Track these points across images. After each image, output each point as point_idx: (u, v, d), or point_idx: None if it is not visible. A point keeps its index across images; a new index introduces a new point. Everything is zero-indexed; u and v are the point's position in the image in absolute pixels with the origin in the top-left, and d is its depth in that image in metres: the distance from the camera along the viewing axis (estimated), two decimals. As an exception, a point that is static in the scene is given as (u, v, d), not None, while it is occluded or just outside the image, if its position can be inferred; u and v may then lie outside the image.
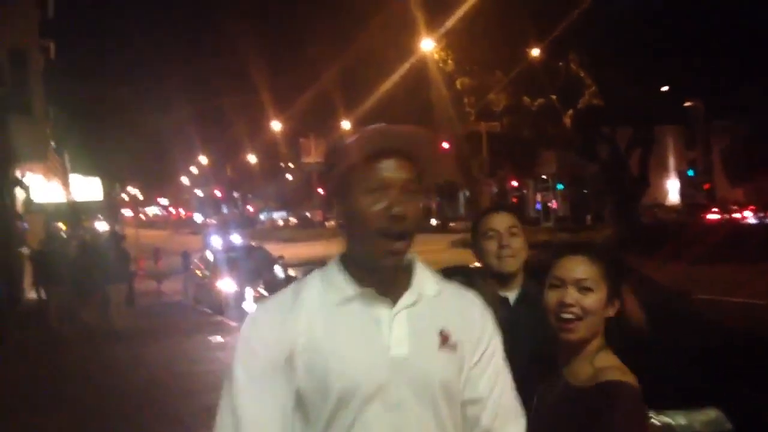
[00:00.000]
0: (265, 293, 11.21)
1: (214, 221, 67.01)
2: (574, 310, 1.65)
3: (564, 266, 1.69)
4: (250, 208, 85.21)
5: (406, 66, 26.38)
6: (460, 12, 21.88)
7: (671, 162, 46.75)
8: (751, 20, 21.68)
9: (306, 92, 41.38)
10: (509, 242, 2.18)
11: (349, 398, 1.28)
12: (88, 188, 22.58)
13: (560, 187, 43.81)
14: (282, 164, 77.13)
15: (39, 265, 14.13)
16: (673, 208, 40.64)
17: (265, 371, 1.30)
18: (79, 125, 22.97)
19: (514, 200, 42.17)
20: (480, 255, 2.24)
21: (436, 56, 23.24)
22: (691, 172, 43.73)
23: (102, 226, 36.77)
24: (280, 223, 74.74)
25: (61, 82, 20.14)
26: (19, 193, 17.53)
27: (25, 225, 18.03)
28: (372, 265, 1.35)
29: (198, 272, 16.02)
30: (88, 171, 22.34)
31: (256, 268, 13.65)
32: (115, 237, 16.94)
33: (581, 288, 1.66)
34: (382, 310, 1.34)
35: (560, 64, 22.35)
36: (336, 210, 1.39)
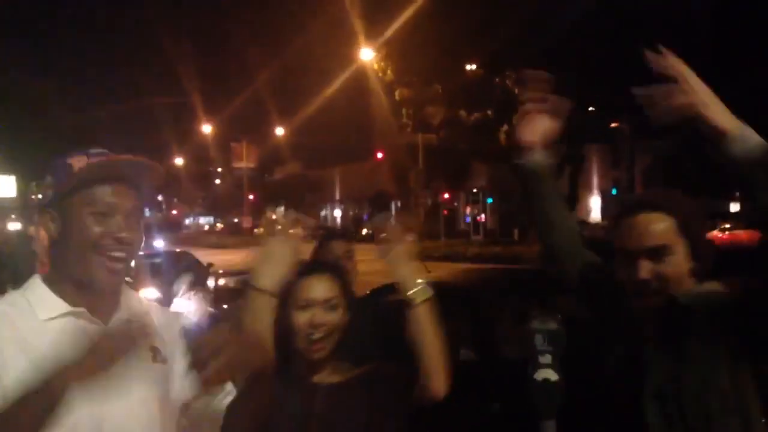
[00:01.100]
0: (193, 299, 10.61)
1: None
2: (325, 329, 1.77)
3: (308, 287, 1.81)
4: (174, 212, 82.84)
5: (345, 74, 26.19)
6: (399, 22, 21.88)
7: (595, 180, 48.35)
8: (681, 38, 22.68)
9: (240, 96, 40.59)
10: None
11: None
12: (1, 185, 21.22)
13: (490, 200, 44.52)
14: (211, 169, 75.39)
15: None
16: (599, 226, 41.99)
17: None
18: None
19: (445, 213, 42.52)
20: None
21: (375, 66, 23.13)
22: (614, 191, 45.32)
23: (14, 225, 34.74)
24: (206, 228, 72.96)
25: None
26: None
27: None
28: (90, 284, 1.39)
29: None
30: (1, 168, 20.98)
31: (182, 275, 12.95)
32: (25, 237, 15.98)
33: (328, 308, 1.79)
34: (94, 328, 1.37)
35: (496, 80, 22.66)
36: (52, 227, 1.39)
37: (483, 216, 45.66)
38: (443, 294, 4.68)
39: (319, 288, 1.83)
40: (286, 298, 1.78)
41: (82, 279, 1.38)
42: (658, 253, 1.55)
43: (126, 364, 1.27)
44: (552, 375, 2.85)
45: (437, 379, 1.71)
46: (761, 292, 1.46)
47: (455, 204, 47.58)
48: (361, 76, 26.28)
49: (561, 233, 1.86)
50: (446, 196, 42.38)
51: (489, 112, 22.63)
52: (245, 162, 49.86)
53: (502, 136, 22.71)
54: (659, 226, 1.56)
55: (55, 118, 22.89)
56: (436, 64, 22.20)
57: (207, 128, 46.20)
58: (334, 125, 39.31)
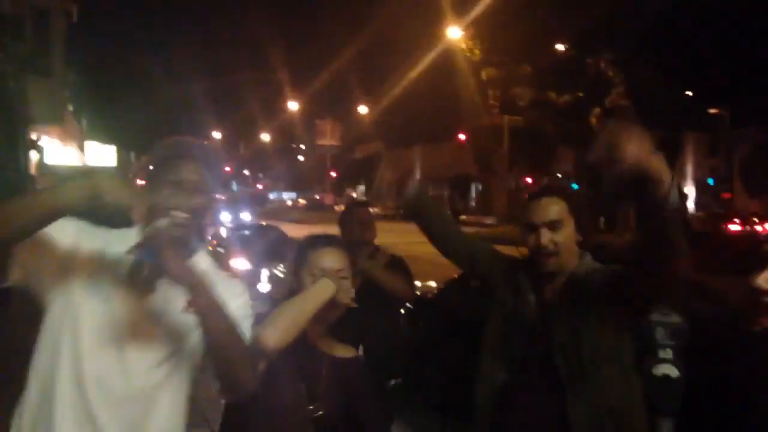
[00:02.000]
0: (282, 275, 10.93)
1: (222, 197, 66.82)
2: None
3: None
4: (259, 187, 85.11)
5: (432, 54, 25.95)
6: (488, 0, 21.42)
7: (689, 169, 46.16)
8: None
9: (325, 74, 40.99)
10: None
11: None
12: (103, 155, 22.41)
13: (575, 186, 43.35)
14: (294, 145, 76.74)
15: None
16: (696, 218, 40.07)
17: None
18: (98, 91, 22.70)
19: (526, 197, 41.75)
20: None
21: (463, 45, 22.79)
22: (711, 181, 43.10)
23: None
24: (289, 203, 74.54)
25: (81, 47, 19.82)
26: (34, 156, 17.32)
27: (38, 188, 17.83)
28: None
29: (210, 248, 15.74)
30: (103, 138, 22.15)
31: (271, 248, 13.33)
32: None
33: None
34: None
35: (589, 61, 21.89)
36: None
37: (567, 202, 44.46)
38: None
39: (331, 259, 1.98)
40: (302, 265, 1.99)
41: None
42: (554, 225, 2.09)
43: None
44: (673, 371, 2.75)
45: None
46: (632, 273, 2.00)
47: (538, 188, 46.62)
48: (447, 56, 25.98)
49: (450, 241, 2.42)
50: (529, 180, 41.61)
51: (580, 94, 21.91)
52: (329, 139, 50.56)
53: (593, 119, 21.96)
54: (556, 206, 2.10)
55: (155, 92, 23.92)
56: (525, 44, 21.66)
57: (294, 105, 47.01)
58: (418, 105, 39.12)
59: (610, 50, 21.29)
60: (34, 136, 16.78)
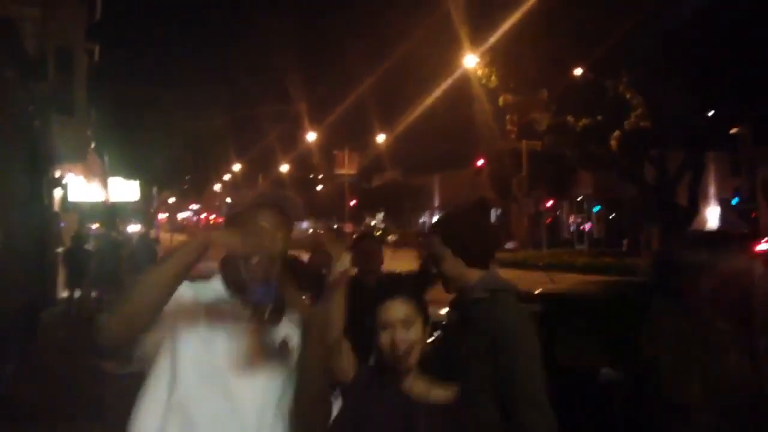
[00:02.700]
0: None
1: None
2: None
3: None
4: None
5: (448, 81, 26.06)
6: (504, 27, 21.49)
7: (712, 189, 45.58)
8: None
9: (342, 105, 41.36)
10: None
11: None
12: (125, 190, 22.64)
13: (597, 209, 42.96)
14: (311, 176, 77.12)
15: (69, 263, 14.95)
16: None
17: None
18: (119, 128, 23.08)
19: (548, 221, 41.40)
20: None
21: (479, 72, 22.84)
22: (735, 201, 42.49)
23: (133, 228, 36.98)
24: (309, 232, 74.71)
25: (103, 84, 20.17)
26: (57, 193, 17.53)
27: (62, 224, 18.01)
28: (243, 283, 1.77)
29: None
30: (126, 173, 22.42)
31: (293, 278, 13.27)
32: (146, 238, 19.65)
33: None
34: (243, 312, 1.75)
35: (607, 84, 21.81)
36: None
37: (587, 225, 44.10)
38: (578, 308, 4.42)
39: (396, 309, 2.03)
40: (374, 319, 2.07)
41: (240, 278, 1.75)
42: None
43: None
44: None
45: None
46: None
47: (557, 212, 46.29)
48: (463, 83, 26.06)
49: None
50: (549, 204, 41.36)
51: (598, 117, 21.77)
52: (347, 169, 50.80)
53: (613, 142, 21.79)
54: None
55: (176, 127, 24.24)
56: (542, 70, 21.60)
57: (311, 136, 47.40)
58: (435, 133, 39.28)
59: (629, 72, 21.19)
60: (57, 174, 16.99)
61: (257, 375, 1.71)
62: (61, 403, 7.00)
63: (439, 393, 1.99)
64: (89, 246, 16.60)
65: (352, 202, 56.34)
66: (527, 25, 20.67)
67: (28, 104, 9.92)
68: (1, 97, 7.72)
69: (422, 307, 2.07)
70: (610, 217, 41.58)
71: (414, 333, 1.99)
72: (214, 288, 1.80)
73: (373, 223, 75.90)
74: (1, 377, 7.37)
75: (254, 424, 1.66)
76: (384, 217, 74.42)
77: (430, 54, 26.56)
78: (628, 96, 21.57)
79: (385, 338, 1.99)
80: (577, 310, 4.39)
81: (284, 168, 65.72)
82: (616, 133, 21.77)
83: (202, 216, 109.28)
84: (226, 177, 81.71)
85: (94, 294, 18.33)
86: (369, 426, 1.84)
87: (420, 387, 1.97)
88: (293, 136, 52.67)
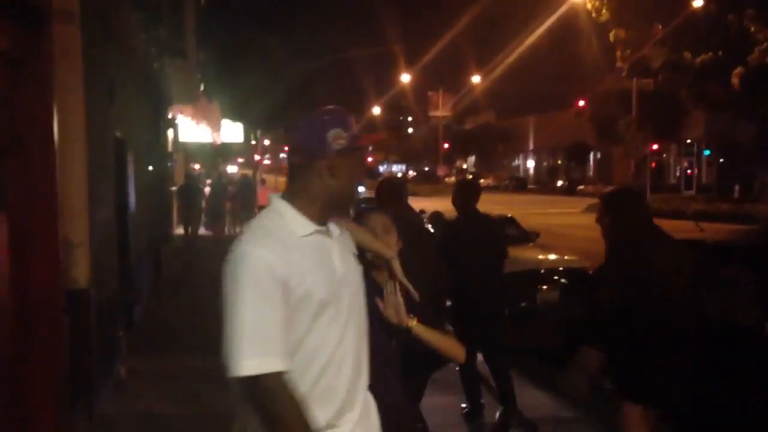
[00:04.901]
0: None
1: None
2: None
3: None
4: (369, 159, 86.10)
5: (551, 18, 24.89)
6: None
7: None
8: None
9: (438, 44, 40.47)
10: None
11: (324, 306, 1.74)
12: (230, 132, 23.32)
13: (707, 153, 40.52)
14: (401, 118, 76.70)
15: (183, 201, 16.17)
16: None
17: (273, 288, 1.66)
18: (225, 71, 23.61)
19: (653, 165, 39.48)
20: None
21: (588, 6, 21.61)
22: None
23: (232, 169, 38.20)
24: (399, 175, 75.04)
25: (209, 29, 20.59)
26: (170, 133, 18.25)
27: (175, 163, 18.87)
28: (341, 211, 1.97)
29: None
30: (230, 115, 23.04)
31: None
32: (247, 179, 21.88)
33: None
34: (328, 241, 1.84)
35: (730, 17, 20.15)
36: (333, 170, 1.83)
37: (695, 169, 41.78)
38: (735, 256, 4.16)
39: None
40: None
41: (338, 207, 1.89)
42: None
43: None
44: None
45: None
46: None
47: (663, 156, 44.03)
48: (568, 19, 24.82)
49: None
50: (655, 147, 39.34)
51: (719, 53, 20.24)
52: (441, 111, 50.15)
53: (734, 80, 20.25)
54: None
55: (277, 71, 24.55)
56: (658, 2, 20.23)
57: (405, 77, 46.90)
58: (533, 73, 37.91)
59: (754, 4, 19.49)
60: (170, 115, 17.66)
61: (359, 309, 1.90)
62: (189, 334, 7.40)
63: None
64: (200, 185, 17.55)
65: (446, 145, 55.71)
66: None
67: (148, 47, 10.24)
68: (129, 41, 7.97)
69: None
70: (720, 161, 39.17)
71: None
72: (291, 222, 1.80)
73: (464, 166, 75.11)
74: (135, 310, 7.86)
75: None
76: (475, 160, 73.46)
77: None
78: (752, 29, 19.88)
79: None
80: (742, 259, 4.15)
81: (376, 110, 65.68)
82: (738, 69, 20.18)
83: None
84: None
85: (203, 230, 19.33)
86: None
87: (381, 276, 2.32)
88: (386, 79, 52.29)
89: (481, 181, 62.90)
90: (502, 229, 5.99)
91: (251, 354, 1.61)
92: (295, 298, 1.69)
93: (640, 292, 3.18)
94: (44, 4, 3.51)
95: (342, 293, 1.81)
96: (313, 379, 1.74)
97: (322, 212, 1.84)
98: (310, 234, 1.79)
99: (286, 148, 2.07)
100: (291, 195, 1.85)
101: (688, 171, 42.65)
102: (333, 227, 1.89)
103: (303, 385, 1.71)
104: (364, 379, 1.89)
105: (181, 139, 20.60)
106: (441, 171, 51.92)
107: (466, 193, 4.84)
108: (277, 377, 1.63)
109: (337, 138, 1.80)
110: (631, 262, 3.23)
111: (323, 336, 1.75)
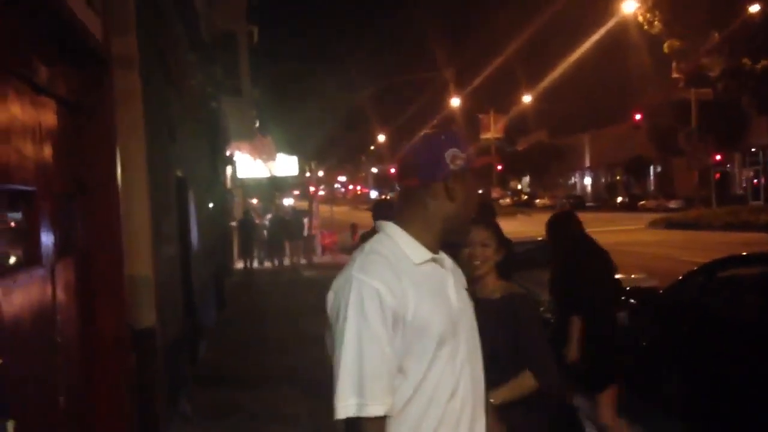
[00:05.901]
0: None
1: (388, 197, 68.48)
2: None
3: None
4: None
5: (600, 32, 24.51)
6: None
7: None
8: None
9: (487, 68, 40.43)
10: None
11: (443, 341, 1.62)
12: (286, 165, 23.80)
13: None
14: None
15: (243, 235, 16.53)
16: None
17: (383, 324, 1.56)
18: (279, 106, 24.21)
19: (717, 176, 38.10)
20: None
21: (639, 18, 21.19)
22: None
23: (288, 201, 38.91)
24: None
25: (262, 66, 21.17)
26: (228, 170, 18.70)
27: (235, 199, 19.29)
28: (457, 238, 1.92)
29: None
30: (285, 148, 23.52)
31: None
32: (296, 211, 23.03)
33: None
34: (442, 271, 1.73)
35: (790, 18, 19.40)
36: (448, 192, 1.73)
37: (762, 178, 40.07)
38: None
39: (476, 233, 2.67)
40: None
41: (454, 232, 1.78)
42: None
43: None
44: None
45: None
46: None
47: (727, 166, 42.44)
48: (618, 34, 24.40)
49: None
50: (718, 157, 37.97)
51: (781, 58, 19.49)
52: (492, 132, 49.87)
53: (800, 84, 19.44)
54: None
55: (329, 103, 25.00)
56: (712, 9, 19.67)
57: (455, 101, 46.92)
58: (584, 89, 37.32)
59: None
60: (228, 152, 18.12)
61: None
62: (254, 368, 7.43)
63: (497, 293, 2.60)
64: (257, 220, 17.92)
65: (499, 167, 55.25)
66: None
67: (205, 87, 10.54)
68: (186, 82, 8.20)
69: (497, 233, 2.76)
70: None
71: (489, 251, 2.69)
72: (405, 249, 1.68)
73: (518, 187, 74.22)
74: (200, 345, 7.96)
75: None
76: (529, 180, 72.47)
77: (579, 4, 25.12)
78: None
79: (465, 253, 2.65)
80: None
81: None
82: (804, 73, 19.37)
83: (350, 188, 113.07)
84: (372, 148, 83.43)
85: (267, 263, 19.66)
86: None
87: (486, 289, 2.60)
88: (436, 103, 52.44)
89: (537, 201, 62.04)
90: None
91: (352, 395, 1.52)
92: (411, 331, 1.58)
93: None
94: (104, 50, 3.61)
95: (458, 329, 1.68)
96: (433, 425, 1.61)
97: (437, 238, 1.73)
98: (426, 262, 1.68)
99: (394, 171, 2.02)
100: (405, 220, 1.73)
101: (755, 180, 40.95)
102: (445, 257, 1.78)
103: (422, 429, 1.60)
104: (481, 426, 1.74)
105: (239, 175, 21.08)
106: (495, 193, 51.43)
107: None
108: (377, 423, 1.53)
109: (455, 158, 1.71)
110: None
111: (442, 376, 1.62)
